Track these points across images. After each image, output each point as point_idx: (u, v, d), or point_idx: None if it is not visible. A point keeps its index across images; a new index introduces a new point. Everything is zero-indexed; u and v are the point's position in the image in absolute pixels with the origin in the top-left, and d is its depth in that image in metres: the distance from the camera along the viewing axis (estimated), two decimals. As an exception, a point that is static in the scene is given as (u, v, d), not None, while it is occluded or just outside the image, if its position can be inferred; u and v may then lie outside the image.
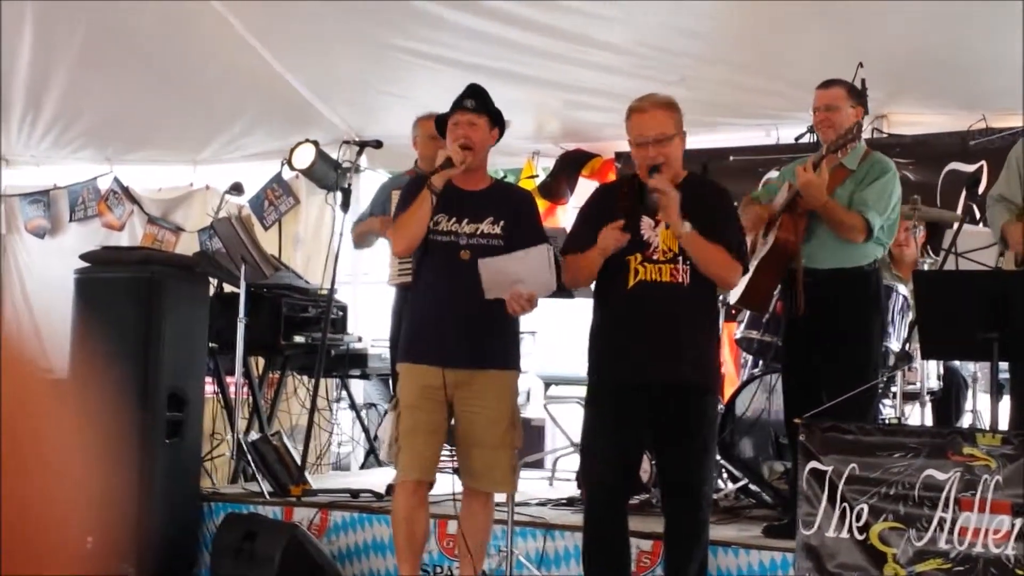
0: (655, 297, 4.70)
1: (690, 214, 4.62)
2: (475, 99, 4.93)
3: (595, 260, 4.73)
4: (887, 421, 5.82)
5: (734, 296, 5.78)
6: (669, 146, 4.72)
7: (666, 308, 4.69)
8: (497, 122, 5.00)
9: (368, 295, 8.87)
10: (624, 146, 5.30)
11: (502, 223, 4.91)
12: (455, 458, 5.08)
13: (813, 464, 4.79)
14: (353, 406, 8.20)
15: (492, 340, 4.92)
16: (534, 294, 4.73)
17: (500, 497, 5.19)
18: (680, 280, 4.67)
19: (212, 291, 6.88)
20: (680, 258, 4.66)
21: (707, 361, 4.82)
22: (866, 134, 7.10)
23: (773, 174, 7.44)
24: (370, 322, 8.44)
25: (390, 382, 7.01)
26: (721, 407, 6.60)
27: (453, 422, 4.97)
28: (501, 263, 4.78)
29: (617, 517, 4.85)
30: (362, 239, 6.82)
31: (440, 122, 5.04)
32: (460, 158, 4.83)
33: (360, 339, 7.89)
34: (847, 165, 5.37)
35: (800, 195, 5.26)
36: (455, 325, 4.84)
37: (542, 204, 6.13)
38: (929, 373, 6.02)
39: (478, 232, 4.90)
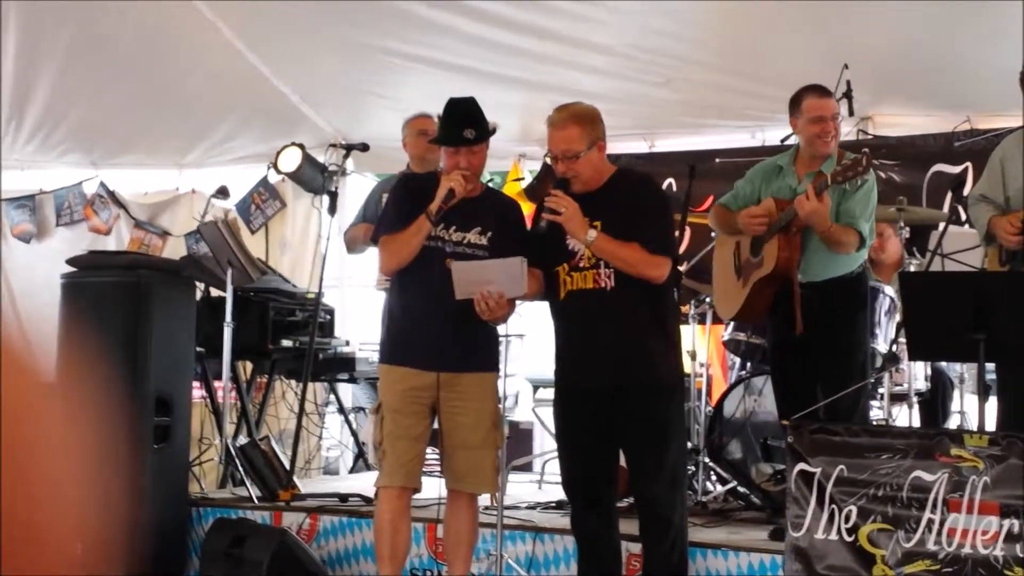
0: (582, 305, 4.77)
1: (611, 212, 4.69)
2: (474, 128, 4.88)
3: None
4: (875, 422, 5.82)
5: (727, 315, 5.76)
6: (577, 162, 4.73)
7: (593, 314, 4.75)
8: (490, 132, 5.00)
9: (355, 299, 8.86)
10: (612, 148, 5.31)
11: (489, 235, 4.92)
12: (440, 461, 5.10)
13: (801, 466, 4.79)
14: (341, 410, 8.19)
15: (475, 343, 4.95)
16: (503, 294, 4.73)
17: (485, 499, 5.20)
18: (603, 285, 4.71)
19: (199, 295, 6.86)
20: (602, 263, 4.70)
21: (653, 361, 4.77)
22: (851, 136, 7.14)
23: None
24: (358, 326, 8.43)
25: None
26: (709, 409, 6.62)
27: (436, 424, 4.98)
28: (473, 267, 4.80)
29: (594, 519, 4.92)
30: (353, 245, 6.81)
31: (436, 138, 5.02)
32: (462, 190, 4.83)
33: (348, 343, 7.88)
34: (826, 172, 5.27)
35: (797, 217, 5.22)
36: (440, 328, 4.85)
37: (527, 207, 6.12)
38: (916, 374, 6.03)
39: (464, 241, 4.91)
